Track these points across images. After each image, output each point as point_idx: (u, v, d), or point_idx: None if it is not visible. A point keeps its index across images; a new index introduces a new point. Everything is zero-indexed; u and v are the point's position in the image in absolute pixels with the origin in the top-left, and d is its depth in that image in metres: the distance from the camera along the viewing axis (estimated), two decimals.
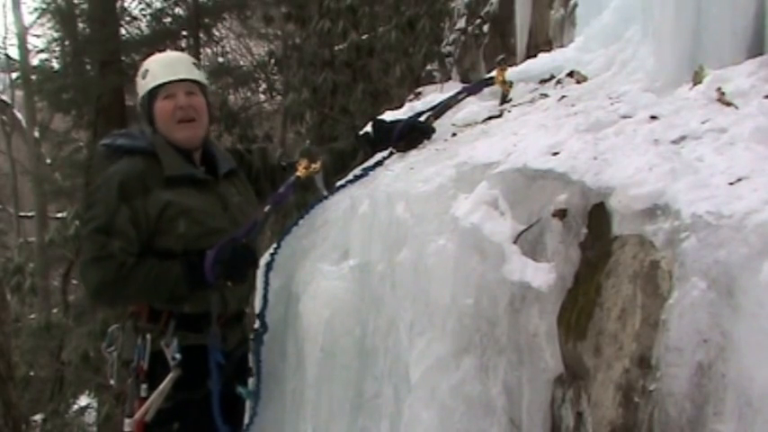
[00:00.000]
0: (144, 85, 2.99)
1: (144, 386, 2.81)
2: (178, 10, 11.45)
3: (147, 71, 3.00)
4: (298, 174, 3.04)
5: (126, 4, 11.39)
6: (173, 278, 2.78)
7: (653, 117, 2.07)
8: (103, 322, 8.50)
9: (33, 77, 13.10)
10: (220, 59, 12.34)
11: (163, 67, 3.00)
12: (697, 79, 2.22)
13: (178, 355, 2.79)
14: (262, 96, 13.15)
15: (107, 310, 8.99)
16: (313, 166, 3.06)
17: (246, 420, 3.02)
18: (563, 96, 2.80)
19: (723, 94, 2.04)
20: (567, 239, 1.89)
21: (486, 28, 8.46)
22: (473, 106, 3.21)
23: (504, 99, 3.29)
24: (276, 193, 3.04)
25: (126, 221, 2.79)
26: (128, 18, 11.32)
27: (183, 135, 2.95)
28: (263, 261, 3.02)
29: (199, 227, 2.86)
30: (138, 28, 11.49)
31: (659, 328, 1.53)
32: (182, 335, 2.84)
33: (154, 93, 2.95)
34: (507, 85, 3.35)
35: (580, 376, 1.78)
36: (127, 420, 2.82)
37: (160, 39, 10.92)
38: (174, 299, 2.83)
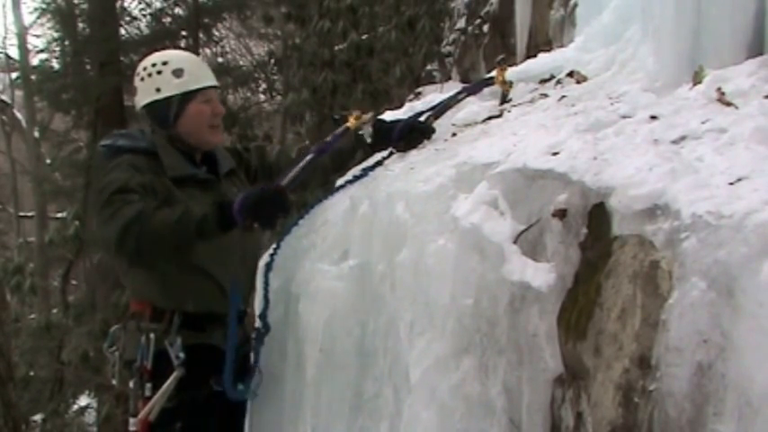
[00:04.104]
0: (179, 84, 2.94)
1: (148, 386, 2.81)
2: (178, 10, 11.49)
3: (182, 70, 2.96)
4: (348, 124, 3.10)
5: (126, 4, 11.42)
6: (200, 215, 2.63)
7: (653, 117, 2.07)
8: (103, 322, 8.51)
9: (33, 77, 13.10)
10: (220, 59, 12.36)
11: (201, 69, 3.07)
12: (697, 79, 2.22)
13: (182, 354, 2.79)
14: (262, 96, 13.18)
15: (107, 311, 9.01)
16: (364, 117, 3.14)
17: (247, 420, 3.02)
18: (563, 96, 2.79)
19: (723, 94, 2.03)
20: (567, 239, 1.88)
21: (486, 28, 8.46)
22: (473, 106, 3.20)
23: (504, 99, 3.28)
24: (322, 142, 3.10)
25: (142, 185, 2.76)
26: (127, 18, 11.35)
27: (215, 139, 3.06)
28: (262, 261, 3.02)
29: None
30: (138, 28, 11.53)
31: (659, 328, 1.53)
32: (185, 334, 2.84)
33: (190, 94, 2.96)
34: (507, 85, 3.34)
35: (580, 376, 1.78)
36: (132, 420, 2.82)
37: (160, 39, 10.92)
38: (203, 236, 2.66)
